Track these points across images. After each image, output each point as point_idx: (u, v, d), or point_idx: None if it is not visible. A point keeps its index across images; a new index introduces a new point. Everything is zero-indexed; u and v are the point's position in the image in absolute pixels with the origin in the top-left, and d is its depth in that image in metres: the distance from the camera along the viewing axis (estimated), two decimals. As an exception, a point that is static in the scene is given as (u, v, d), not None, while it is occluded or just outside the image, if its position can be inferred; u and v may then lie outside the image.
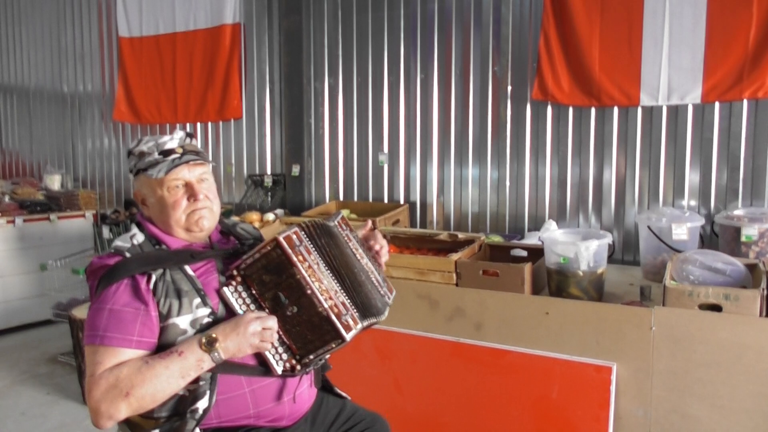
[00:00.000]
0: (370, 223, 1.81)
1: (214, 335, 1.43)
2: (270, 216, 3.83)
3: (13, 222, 4.74)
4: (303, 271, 1.47)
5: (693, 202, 3.21)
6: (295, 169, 4.34)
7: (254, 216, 3.80)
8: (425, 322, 2.76)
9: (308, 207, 4.28)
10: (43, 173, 5.63)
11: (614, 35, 3.24)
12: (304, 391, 1.64)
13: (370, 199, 4.14)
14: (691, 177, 3.20)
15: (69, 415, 3.42)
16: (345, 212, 3.84)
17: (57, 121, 5.83)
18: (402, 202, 4.01)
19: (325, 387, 1.81)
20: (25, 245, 4.82)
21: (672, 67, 3.13)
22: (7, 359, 4.27)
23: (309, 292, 1.47)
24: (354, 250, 1.69)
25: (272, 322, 1.47)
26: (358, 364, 2.83)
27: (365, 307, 1.55)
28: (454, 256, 2.77)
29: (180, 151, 1.60)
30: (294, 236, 1.51)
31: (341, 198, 4.25)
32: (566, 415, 2.44)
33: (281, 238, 1.48)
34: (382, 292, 1.66)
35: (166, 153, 1.59)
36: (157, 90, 4.94)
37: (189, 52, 4.72)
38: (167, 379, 1.38)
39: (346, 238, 1.69)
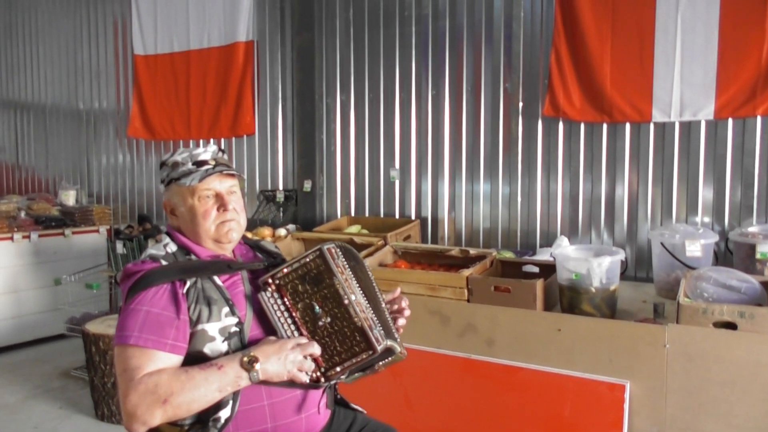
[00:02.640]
0: (399, 290, 1.82)
1: (255, 354, 1.45)
2: (282, 231, 3.85)
3: (28, 237, 4.79)
4: (342, 282, 1.51)
5: (707, 219, 3.18)
6: (307, 185, 4.37)
7: (266, 231, 3.82)
8: (436, 338, 2.75)
9: (320, 222, 4.29)
10: (58, 189, 5.70)
11: (626, 51, 3.24)
12: (319, 410, 1.64)
13: (382, 215, 4.15)
14: (704, 193, 3.18)
15: (81, 429, 3.43)
16: (356, 228, 3.85)
17: (72, 138, 5.92)
18: (413, 217, 4.01)
19: (339, 402, 1.82)
20: (39, 260, 4.87)
21: (684, 83, 3.13)
22: (20, 373, 4.30)
23: (346, 302, 1.50)
24: (374, 282, 1.72)
25: (317, 349, 1.49)
26: (369, 380, 2.81)
27: (387, 330, 1.58)
28: (466, 272, 2.77)
29: (212, 162, 1.66)
30: (333, 250, 1.57)
31: (353, 213, 4.27)
32: (579, 433, 2.41)
33: (325, 249, 1.54)
34: (394, 333, 1.66)
35: (199, 164, 1.65)
36: (171, 107, 5.01)
37: (203, 70, 4.79)
38: (205, 391, 1.40)
39: (369, 270, 1.74)
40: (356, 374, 1.64)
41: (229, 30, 4.61)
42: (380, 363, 1.61)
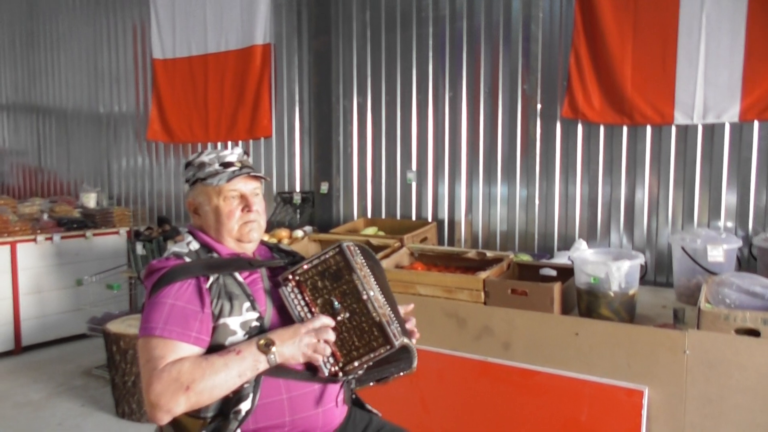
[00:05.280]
0: (412, 305, 1.83)
1: (271, 338, 1.48)
2: (299, 233, 3.86)
3: (51, 239, 4.87)
4: (361, 278, 1.54)
5: (730, 224, 3.12)
6: (324, 187, 4.38)
7: (283, 233, 3.84)
8: (453, 340, 2.74)
9: (336, 224, 4.30)
10: (79, 191, 5.79)
11: (647, 52, 3.19)
12: (337, 405, 1.65)
13: (398, 217, 4.15)
14: (727, 198, 3.12)
15: (102, 427, 3.48)
16: (372, 230, 3.85)
17: (93, 141, 6.00)
18: (430, 219, 4.00)
19: (355, 402, 1.83)
20: (62, 261, 4.95)
21: (708, 85, 3.06)
22: (44, 372, 4.37)
23: (365, 297, 1.53)
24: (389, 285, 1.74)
25: (331, 335, 1.52)
26: (385, 384, 2.82)
27: (403, 328, 1.59)
28: (483, 275, 2.75)
29: (239, 164, 1.71)
30: (352, 248, 1.61)
31: (369, 215, 4.27)
32: (597, 439, 2.38)
33: (344, 246, 1.58)
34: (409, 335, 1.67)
35: (226, 165, 1.71)
36: (190, 110, 5.05)
37: (220, 73, 4.82)
38: (225, 377, 1.43)
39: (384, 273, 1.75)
40: (369, 382, 1.67)
41: (247, 33, 4.64)
42: (394, 372, 1.64)
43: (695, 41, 3.08)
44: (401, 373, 1.66)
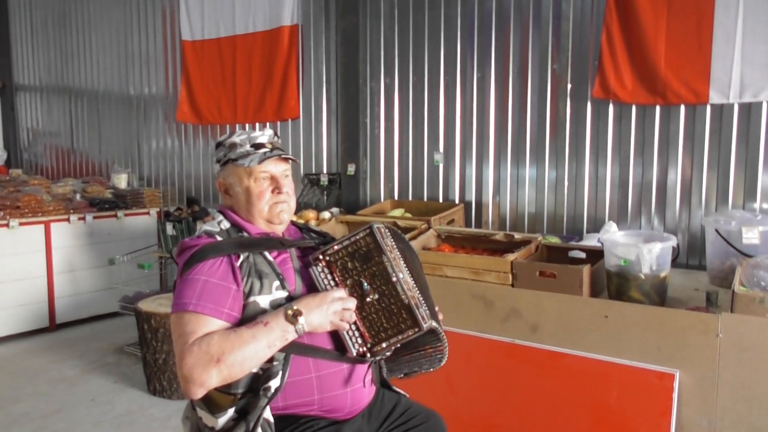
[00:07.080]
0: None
1: (298, 308, 1.49)
2: (326, 214, 3.88)
3: (83, 219, 4.98)
4: (391, 260, 1.54)
5: (766, 205, 3.05)
6: (351, 168, 4.38)
7: (311, 214, 3.86)
8: (480, 322, 2.74)
9: (363, 206, 4.31)
10: (111, 172, 5.90)
11: (682, 29, 3.11)
12: (365, 385, 1.67)
13: (425, 198, 4.13)
14: (764, 179, 3.04)
15: (135, 403, 3.57)
16: (399, 211, 3.85)
17: (124, 123, 6.09)
18: (457, 201, 3.99)
19: (383, 383, 1.84)
20: (94, 241, 5.06)
21: (745, 63, 2.98)
22: (78, 349, 4.49)
23: (394, 279, 1.53)
24: (421, 268, 1.75)
25: (352, 303, 1.54)
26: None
27: (432, 312, 1.60)
28: (510, 257, 2.74)
29: (269, 146, 1.72)
30: (382, 230, 1.61)
31: (396, 197, 4.26)
32: (625, 421, 2.37)
33: (375, 227, 1.58)
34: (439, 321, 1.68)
35: (257, 146, 1.71)
36: (218, 91, 5.09)
37: (248, 54, 4.84)
38: (255, 348, 1.44)
39: (417, 256, 1.77)
40: (400, 374, 1.71)
41: (274, 14, 4.64)
42: (424, 365, 1.68)
43: (732, 17, 2.99)
44: (431, 369, 1.69)
